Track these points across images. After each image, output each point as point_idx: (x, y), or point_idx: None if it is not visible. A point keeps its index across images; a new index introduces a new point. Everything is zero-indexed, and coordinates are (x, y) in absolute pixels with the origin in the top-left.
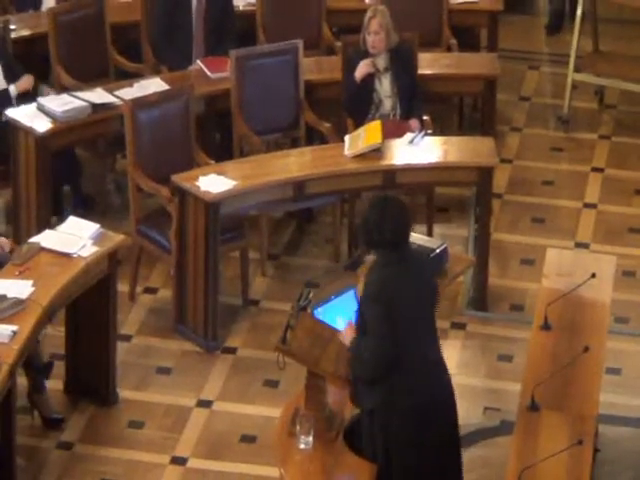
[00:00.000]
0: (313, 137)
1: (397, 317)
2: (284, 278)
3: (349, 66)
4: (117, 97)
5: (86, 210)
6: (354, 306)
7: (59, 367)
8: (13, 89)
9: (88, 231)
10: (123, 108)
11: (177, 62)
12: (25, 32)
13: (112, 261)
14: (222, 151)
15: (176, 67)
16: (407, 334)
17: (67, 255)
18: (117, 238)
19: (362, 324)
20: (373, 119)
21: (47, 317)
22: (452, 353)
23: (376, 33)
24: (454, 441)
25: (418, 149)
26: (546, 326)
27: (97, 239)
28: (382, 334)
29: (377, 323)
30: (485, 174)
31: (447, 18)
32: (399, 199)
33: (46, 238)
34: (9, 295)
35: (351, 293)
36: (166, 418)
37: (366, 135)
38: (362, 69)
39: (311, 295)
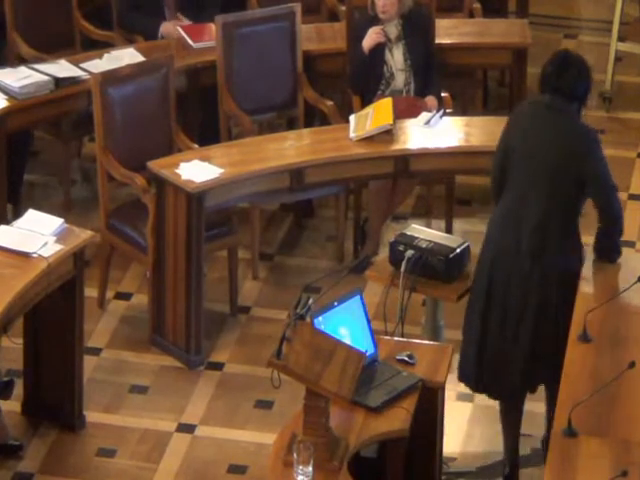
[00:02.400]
0: (313, 117)
1: (509, 152)
2: (279, 282)
3: (355, 34)
4: (84, 70)
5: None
6: (360, 314)
7: (16, 385)
8: None
9: (50, 227)
10: (91, 83)
11: (149, 30)
12: None
13: (78, 262)
14: (207, 133)
15: (148, 36)
16: (511, 179)
17: (25, 255)
18: (84, 235)
19: None
20: (383, 96)
21: (2, 327)
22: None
23: None
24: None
25: (435, 131)
26: (585, 338)
27: (61, 236)
28: (494, 155)
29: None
30: None
31: None
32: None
33: (0, 235)
34: None
35: (357, 299)
36: (141, 445)
37: (375, 115)
38: (371, 38)
39: (310, 302)
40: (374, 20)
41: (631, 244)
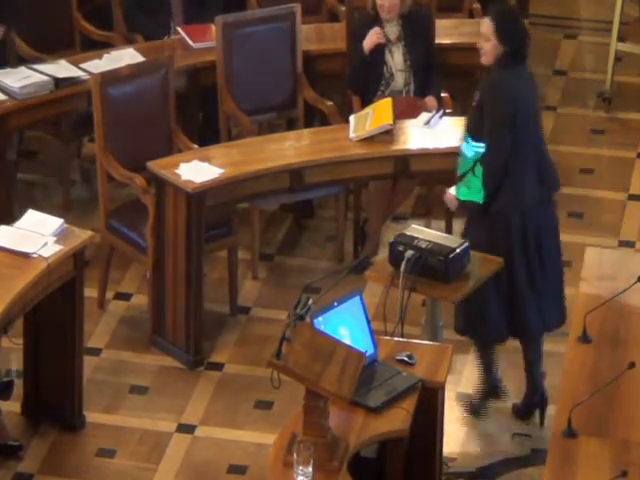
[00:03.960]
0: (313, 117)
1: (519, 120)
2: (279, 282)
3: (355, 34)
4: (84, 70)
5: None
6: (360, 315)
7: (16, 385)
8: None
9: (50, 227)
10: (91, 83)
11: (152, 29)
12: None
13: (78, 262)
14: (206, 133)
15: (151, 35)
16: (520, 143)
17: (25, 255)
18: (84, 235)
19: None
20: (383, 96)
21: (2, 328)
22: (475, 370)
23: None
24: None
25: (435, 131)
26: (585, 338)
27: (61, 236)
28: (501, 136)
29: (500, 124)
30: None
31: None
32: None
33: (1, 235)
34: None
35: (357, 299)
36: (141, 445)
37: (375, 115)
38: (372, 38)
39: (310, 302)
40: (374, 20)
41: (631, 244)
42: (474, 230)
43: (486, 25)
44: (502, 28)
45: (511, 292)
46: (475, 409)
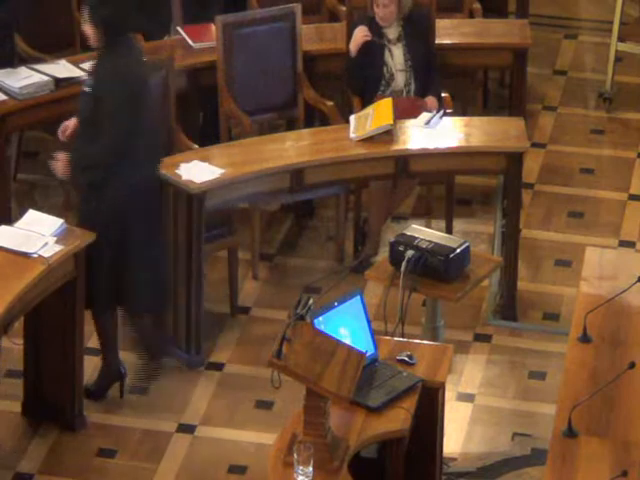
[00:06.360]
0: (313, 118)
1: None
2: (279, 282)
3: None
4: (84, 71)
5: None
6: (360, 315)
7: (17, 386)
8: None
9: (50, 227)
10: None
11: (152, 30)
12: None
13: (78, 262)
14: (207, 134)
15: (152, 36)
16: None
17: (26, 255)
18: (84, 235)
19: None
20: (383, 96)
21: (2, 328)
22: (475, 370)
23: (385, 6)
24: None
25: (435, 131)
26: (585, 338)
27: (61, 236)
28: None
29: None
30: (514, 161)
31: None
32: None
33: (1, 235)
34: None
35: (357, 299)
36: (141, 445)
37: (375, 115)
38: (357, 39)
39: (311, 302)
40: (373, 20)
41: (631, 244)
42: None
43: (84, 10)
44: (93, 10)
45: None
46: (94, 393)
